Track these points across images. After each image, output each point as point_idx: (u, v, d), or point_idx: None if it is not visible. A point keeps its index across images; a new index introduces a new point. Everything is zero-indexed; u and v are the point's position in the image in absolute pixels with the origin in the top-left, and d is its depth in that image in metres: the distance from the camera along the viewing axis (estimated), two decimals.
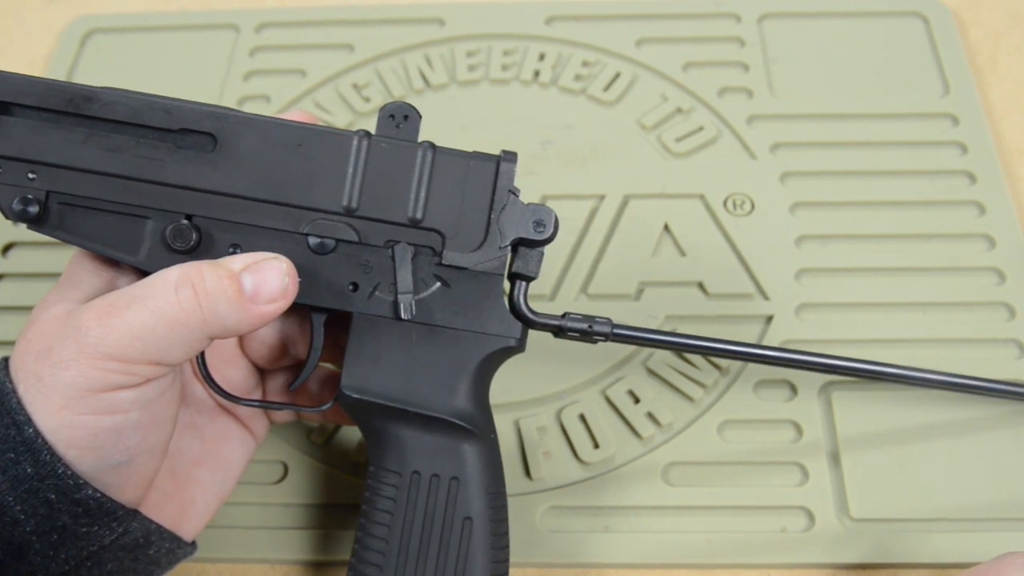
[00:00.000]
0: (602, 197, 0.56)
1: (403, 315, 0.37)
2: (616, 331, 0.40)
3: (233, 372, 0.42)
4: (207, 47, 0.64)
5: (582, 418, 0.48)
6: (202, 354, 0.38)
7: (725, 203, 0.55)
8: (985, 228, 0.53)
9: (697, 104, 0.60)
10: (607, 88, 0.61)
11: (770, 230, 0.54)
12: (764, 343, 0.50)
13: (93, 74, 0.63)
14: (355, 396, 0.37)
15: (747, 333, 0.51)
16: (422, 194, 0.37)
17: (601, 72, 0.61)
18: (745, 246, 0.53)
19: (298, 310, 0.38)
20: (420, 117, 0.38)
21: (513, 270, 0.38)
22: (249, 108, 0.60)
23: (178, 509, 0.39)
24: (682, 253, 0.53)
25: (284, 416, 0.45)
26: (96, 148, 0.36)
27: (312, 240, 0.37)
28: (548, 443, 0.48)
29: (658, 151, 0.58)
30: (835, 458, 0.47)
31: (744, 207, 0.55)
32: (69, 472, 0.33)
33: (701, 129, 0.58)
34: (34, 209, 0.36)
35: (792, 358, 0.42)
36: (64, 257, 0.54)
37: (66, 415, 0.33)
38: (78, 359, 0.32)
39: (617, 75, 0.61)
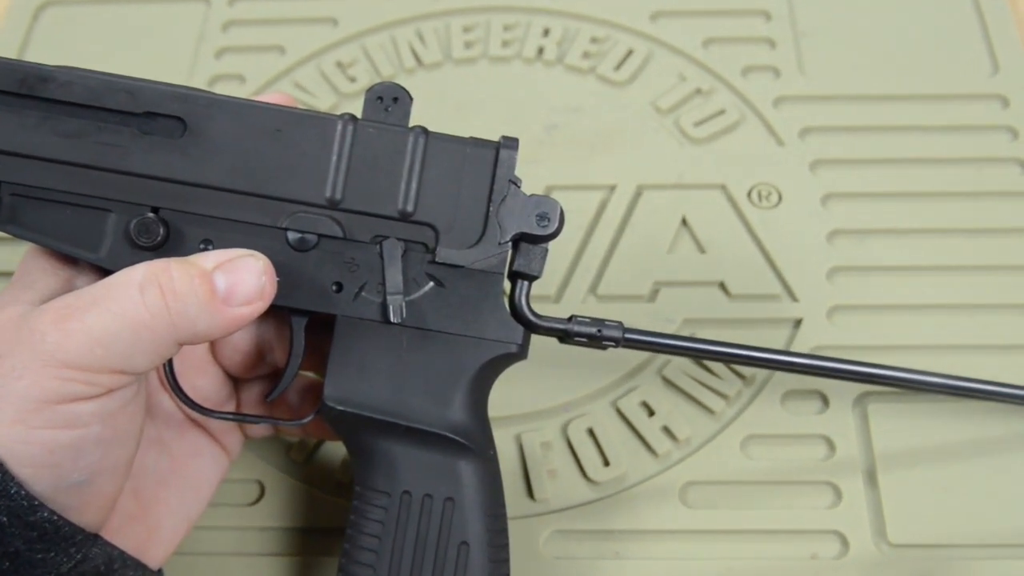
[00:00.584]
0: (613, 188, 0.56)
1: (392, 318, 0.37)
2: (628, 336, 0.40)
3: (204, 382, 0.42)
4: (174, 21, 0.64)
5: (591, 432, 0.49)
6: (170, 362, 0.38)
7: (749, 194, 0.55)
8: None
9: (718, 84, 0.60)
10: (618, 67, 0.61)
11: (799, 224, 0.54)
12: (793, 349, 0.50)
13: (47, 52, 0.63)
14: (339, 408, 0.37)
15: (774, 338, 0.51)
16: (413, 184, 0.37)
17: (612, 49, 0.62)
18: (771, 242, 0.53)
19: (276, 313, 0.38)
20: (411, 99, 0.38)
21: (514, 268, 0.38)
22: (222, 89, 0.60)
23: (143, 533, 0.40)
24: (701, 250, 0.54)
25: (260, 430, 0.45)
26: (52, 134, 0.36)
27: (292, 235, 0.37)
28: (553, 460, 0.48)
29: (675, 137, 0.58)
30: (871, 477, 0.47)
31: (770, 199, 0.55)
32: (23, 492, 0.33)
33: (723, 112, 0.59)
34: None
35: (824, 366, 0.42)
36: (16, 254, 0.54)
37: (19, 429, 0.33)
38: (32, 367, 0.32)
39: (630, 52, 0.61)
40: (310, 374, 0.45)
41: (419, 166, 0.37)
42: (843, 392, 0.49)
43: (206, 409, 0.40)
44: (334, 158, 0.37)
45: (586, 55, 0.61)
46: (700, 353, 0.42)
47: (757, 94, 0.59)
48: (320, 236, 0.37)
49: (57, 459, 0.33)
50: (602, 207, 0.55)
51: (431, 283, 0.38)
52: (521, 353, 0.39)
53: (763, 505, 0.46)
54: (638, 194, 0.56)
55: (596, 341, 0.40)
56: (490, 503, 0.38)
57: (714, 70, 0.60)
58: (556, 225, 0.38)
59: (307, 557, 0.46)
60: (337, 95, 0.61)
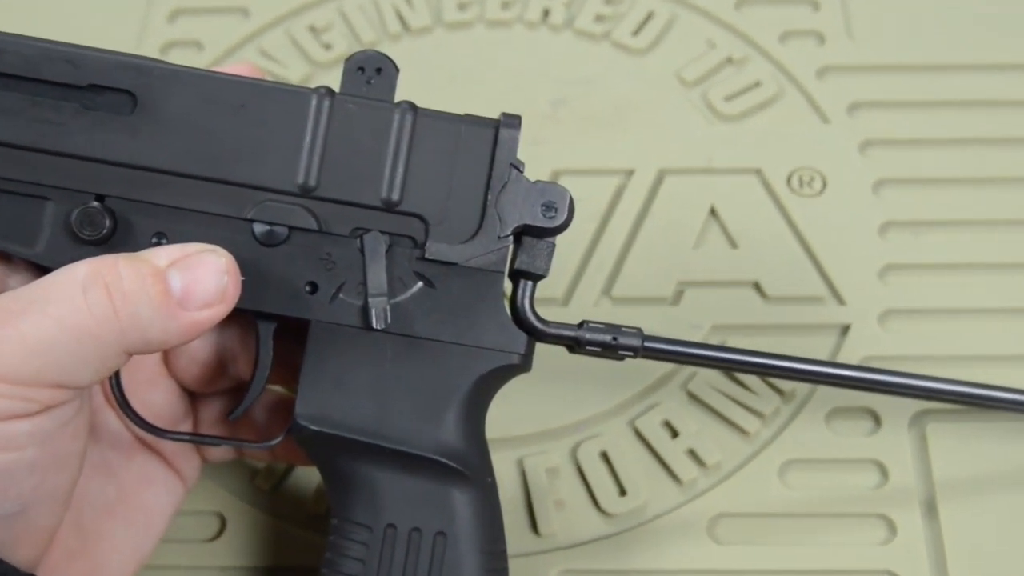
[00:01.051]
0: (630, 172, 0.56)
1: (375, 324, 0.37)
2: (648, 344, 0.40)
3: (156, 397, 0.42)
4: None
5: (604, 457, 0.49)
6: (117, 374, 0.38)
7: (789, 180, 0.55)
8: None
9: (753, 52, 0.60)
10: (637, 32, 0.61)
11: (846, 215, 0.54)
12: (839, 360, 0.50)
13: None
14: (313, 428, 0.38)
15: (817, 347, 0.51)
16: (399, 169, 0.37)
17: (629, 11, 0.62)
18: (814, 235, 0.54)
19: (240, 318, 0.38)
20: (397, 70, 0.38)
21: (516, 266, 0.39)
22: (176, 58, 0.60)
23: (86, 572, 0.40)
24: (733, 244, 0.54)
25: (221, 454, 0.45)
26: None
27: (259, 228, 0.37)
28: (561, 489, 0.48)
29: (703, 113, 0.58)
30: (931, 508, 0.47)
31: (813, 185, 0.55)
32: None
33: (758, 85, 0.59)
34: None
35: (875, 379, 0.42)
36: None
37: None
38: None
39: (650, 15, 0.61)
40: (279, 388, 0.45)
41: (406, 148, 0.38)
42: (897, 410, 0.49)
43: (158, 429, 0.40)
44: (307, 138, 0.37)
45: (599, 18, 0.61)
46: (731, 364, 0.42)
47: (798, 63, 0.59)
48: (291, 229, 0.38)
49: None
50: (618, 195, 0.55)
51: (420, 283, 0.38)
52: (524, 364, 0.39)
53: (805, 541, 0.46)
54: (659, 180, 0.56)
55: (611, 350, 0.40)
56: (487, 538, 0.38)
57: (748, 35, 0.60)
58: (564, 216, 0.38)
59: None
60: (310, 65, 0.61)
